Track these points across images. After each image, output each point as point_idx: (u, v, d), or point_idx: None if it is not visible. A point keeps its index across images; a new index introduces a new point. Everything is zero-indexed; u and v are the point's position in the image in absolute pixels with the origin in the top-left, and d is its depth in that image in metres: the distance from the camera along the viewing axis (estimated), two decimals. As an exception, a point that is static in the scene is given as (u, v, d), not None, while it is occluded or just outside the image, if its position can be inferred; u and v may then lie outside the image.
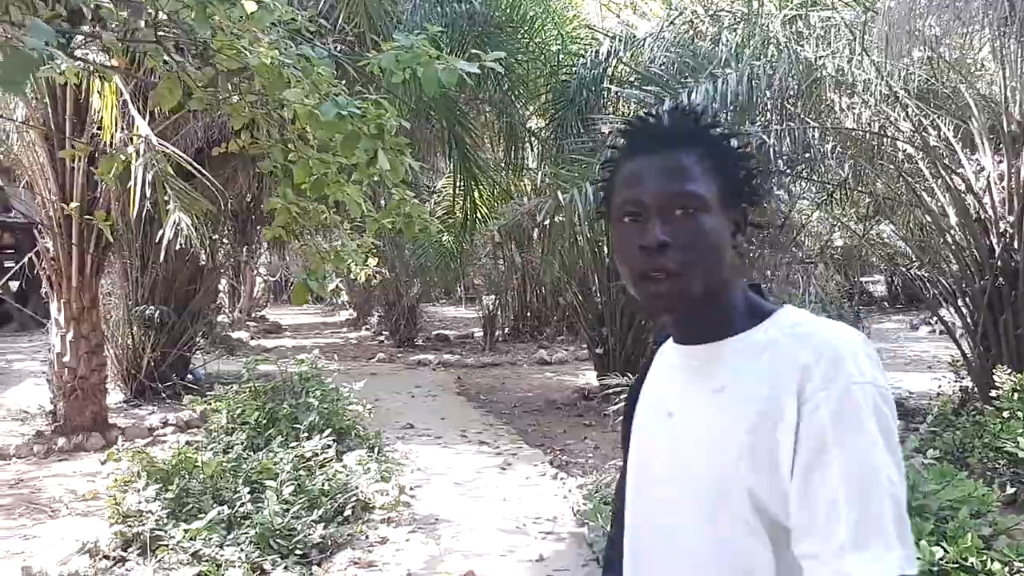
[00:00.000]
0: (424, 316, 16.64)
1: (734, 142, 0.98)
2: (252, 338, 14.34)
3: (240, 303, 16.35)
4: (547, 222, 6.29)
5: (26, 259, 6.59)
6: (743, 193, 0.96)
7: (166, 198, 3.77)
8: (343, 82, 2.88)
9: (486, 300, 14.79)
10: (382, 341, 13.67)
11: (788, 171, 7.22)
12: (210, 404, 5.13)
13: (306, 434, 4.57)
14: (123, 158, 3.03)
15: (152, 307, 7.21)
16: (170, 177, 3.80)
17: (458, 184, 7.03)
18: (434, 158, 9.21)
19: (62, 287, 6.09)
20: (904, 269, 11.84)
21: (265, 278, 17.79)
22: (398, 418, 6.73)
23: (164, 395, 7.49)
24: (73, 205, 5.66)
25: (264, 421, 4.83)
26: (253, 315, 17.24)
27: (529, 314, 14.36)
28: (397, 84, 2.60)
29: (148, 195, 3.90)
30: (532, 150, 7.33)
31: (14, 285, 12.53)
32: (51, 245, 6.08)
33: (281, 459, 4.10)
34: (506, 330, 13.99)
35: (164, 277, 7.80)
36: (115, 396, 7.67)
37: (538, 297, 14.37)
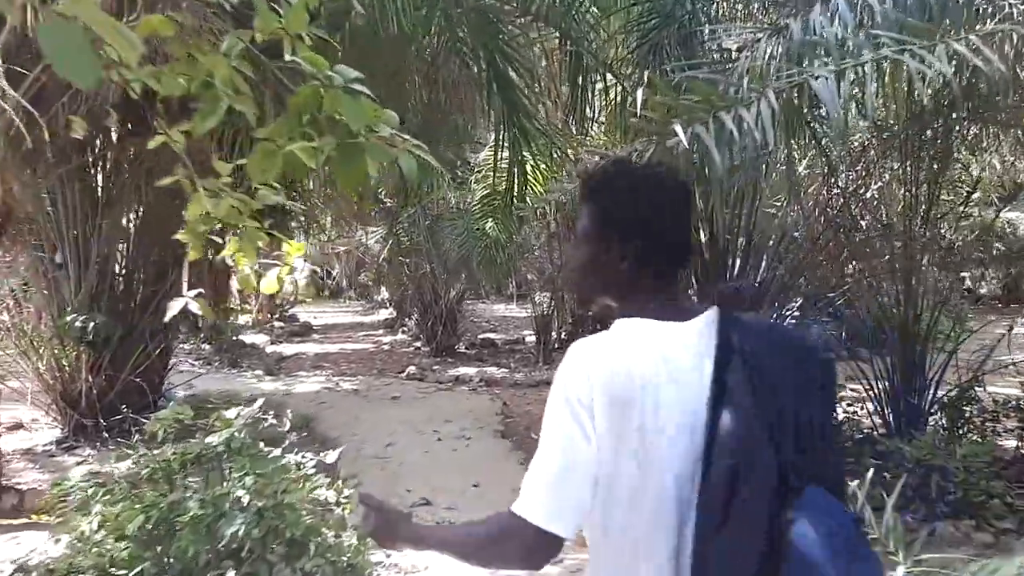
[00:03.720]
0: (470, 316, 14.66)
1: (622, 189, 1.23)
2: (273, 342, 12.53)
3: (259, 301, 14.57)
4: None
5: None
6: (615, 225, 1.23)
7: None
8: None
9: (539, 298, 12.79)
10: (418, 348, 11.69)
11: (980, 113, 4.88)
12: (70, 491, 3.12)
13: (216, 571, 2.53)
14: None
15: (85, 317, 5.30)
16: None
17: (502, 142, 4.91)
18: (471, 120, 7.15)
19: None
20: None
21: (290, 271, 15.96)
22: (411, 482, 4.65)
23: (107, 434, 5.61)
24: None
25: (152, 534, 2.81)
26: (282, 314, 15.47)
27: (591, 316, 12.19)
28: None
29: None
30: (607, 97, 5.15)
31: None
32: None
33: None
34: (563, 335, 11.85)
35: (115, 274, 5.92)
36: (47, 435, 5.84)
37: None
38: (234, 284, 15.33)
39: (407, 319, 13.64)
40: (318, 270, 23.39)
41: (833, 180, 5.37)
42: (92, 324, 5.25)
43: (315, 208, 12.68)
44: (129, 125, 5.23)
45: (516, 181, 4.97)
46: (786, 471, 1.06)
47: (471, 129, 9.15)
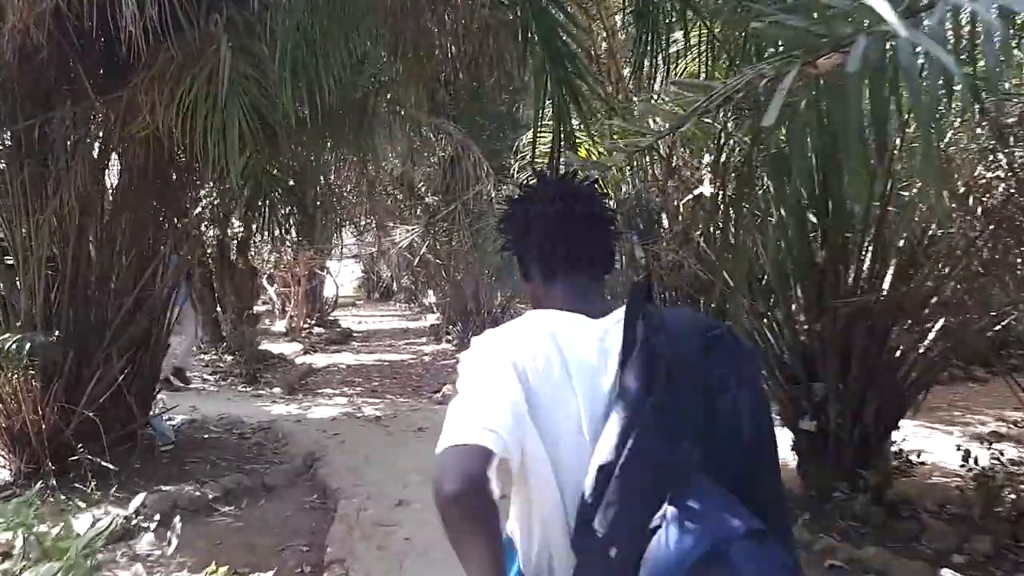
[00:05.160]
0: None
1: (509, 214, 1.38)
2: (306, 351, 11.53)
3: (293, 307, 13.62)
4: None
5: None
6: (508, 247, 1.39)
7: None
8: None
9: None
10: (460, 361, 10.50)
11: None
12: None
13: None
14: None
15: (19, 337, 4.24)
16: None
17: (542, 108, 3.63)
18: (518, 89, 5.94)
19: None
20: None
21: (327, 275, 14.96)
22: (417, 574, 3.41)
23: (57, 480, 4.54)
24: None
25: None
26: (322, 319, 14.52)
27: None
28: None
29: None
30: (688, 45, 3.84)
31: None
32: None
33: None
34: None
35: (74, 280, 4.86)
36: (-7, 477, 4.83)
37: (664, 301, 10.76)
38: (270, 288, 14.49)
39: (451, 326, 12.50)
40: (369, 271, 22.62)
41: (995, 158, 3.94)
42: (28, 345, 4.19)
43: (347, 204, 11.69)
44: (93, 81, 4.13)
45: (560, 145, 3.66)
46: (674, 467, 1.04)
47: (518, 110, 7.93)
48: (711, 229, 7.62)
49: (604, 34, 6.35)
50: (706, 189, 6.00)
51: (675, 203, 9.97)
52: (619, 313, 1.18)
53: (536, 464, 1.10)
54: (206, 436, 5.96)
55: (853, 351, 4.03)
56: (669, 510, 1.00)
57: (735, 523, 0.99)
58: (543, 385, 1.11)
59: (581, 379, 1.12)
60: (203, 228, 8.97)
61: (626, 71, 6.03)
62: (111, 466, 4.55)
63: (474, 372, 1.13)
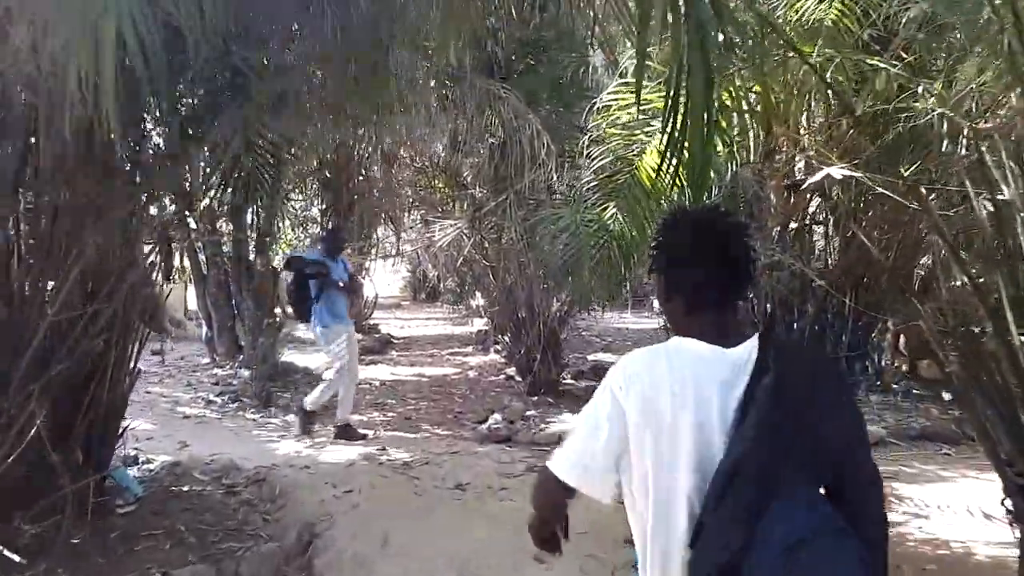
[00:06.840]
0: (576, 331, 11.92)
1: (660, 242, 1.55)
2: (337, 363, 10.18)
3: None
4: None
5: None
6: (654, 271, 1.57)
7: None
8: None
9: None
10: (511, 377, 9.04)
11: None
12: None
13: None
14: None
15: None
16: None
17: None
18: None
19: None
20: None
21: (365, 276, 13.63)
22: None
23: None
24: None
25: None
26: (359, 324, 13.18)
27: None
28: None
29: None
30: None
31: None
32: None
33: None
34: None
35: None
36: None
37: (754, 307, 9.09)
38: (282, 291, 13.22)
39: (501, 335, 11.04)
40: (415, 271, 21.29)
41: None
42: None
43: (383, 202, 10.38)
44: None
45: (696, 109, 2.11)
46: (785, 472, 1.27)
47: (583, 75, 6.44)
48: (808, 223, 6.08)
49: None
50: (835, 171, 4.57)
51: (770, 193, 8.31)
52: (751, 342, 1.40)
53: (642, 467, 1.39)
54: (185, 489, 4.62)
55: None
56: (776, 505, 1.24)
57: (823, 521, 1.24)
58: (667, 399, 1.35)
59: (717, 391, 1.35)
60: (194, 221, 7.78)
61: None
62: (15, 556, 3.21)
63: (599, 395, 1.44)
